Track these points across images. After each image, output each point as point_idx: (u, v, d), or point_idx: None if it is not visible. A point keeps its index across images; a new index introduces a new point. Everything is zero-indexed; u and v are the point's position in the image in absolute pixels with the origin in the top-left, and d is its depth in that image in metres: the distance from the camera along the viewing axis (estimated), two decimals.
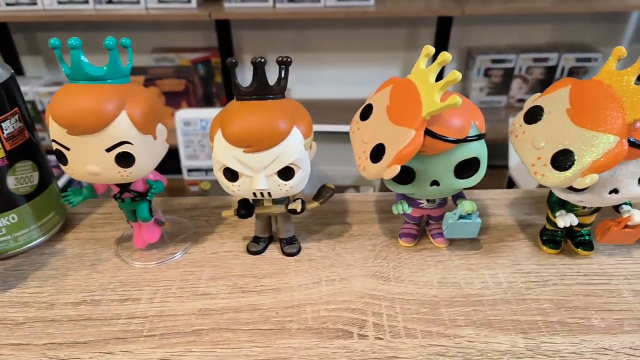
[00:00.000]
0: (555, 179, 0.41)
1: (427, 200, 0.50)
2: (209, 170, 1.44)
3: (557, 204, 0.48)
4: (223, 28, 1.83)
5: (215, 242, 0.53)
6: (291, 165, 0.42)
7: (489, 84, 2.03)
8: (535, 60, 1.95)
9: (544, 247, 0.52)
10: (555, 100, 0.43)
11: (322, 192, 0.49)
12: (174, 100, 1.96)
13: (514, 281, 0.48)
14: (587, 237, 0.52)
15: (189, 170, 1.45)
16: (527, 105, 0.46)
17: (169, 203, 0.61)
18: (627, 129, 0.38)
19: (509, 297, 0.46)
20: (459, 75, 0.38)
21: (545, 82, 2.05)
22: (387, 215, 0.58)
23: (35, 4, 1.69)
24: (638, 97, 0.37)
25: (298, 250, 0.52)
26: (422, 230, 0.55)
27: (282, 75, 0.43)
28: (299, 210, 0.48)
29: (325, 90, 2.13)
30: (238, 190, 0.44)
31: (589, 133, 0.39)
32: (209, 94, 2.01)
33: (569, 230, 0.53)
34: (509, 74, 1.98)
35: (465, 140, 0.42)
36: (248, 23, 1.99)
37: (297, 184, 0.44)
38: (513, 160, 1.63)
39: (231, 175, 0.43)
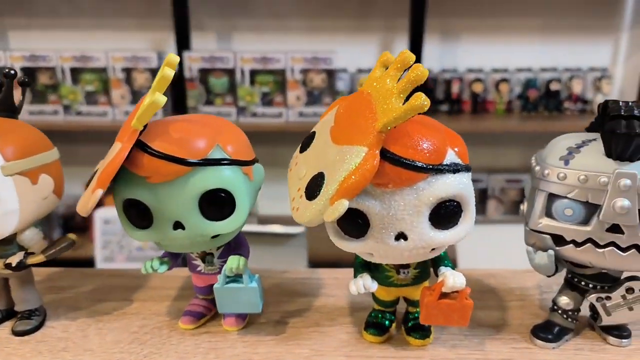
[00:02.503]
0: (305, 212, 0.30)
1: (203, 261, 0.39)
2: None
3: (360, 266, 0.36)
4: None
5: None
6: None
7: None
8: (508, 181, 1.90)
9: (364, 333, 0.38)
10: (326, 122, 0.34)
11: (56, 243, 0.38)
12: None
13: None
14: None
15: None
16: None
17: None
18: (379, 138, 0.28)
19: None
20: None
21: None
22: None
23: None
24: (391, 99, 0.28)
25: (34, 328, 0.39)
26: None
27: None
28: (14, 264, 0.36)
29: None
30: None
31: (342, 149, 0.29)
32: None
33: (406, 312, 0.39)
34: (483, 195, 1.92)
35: (203, 163, 0.32)
36: None
37: None
38: None
39: None
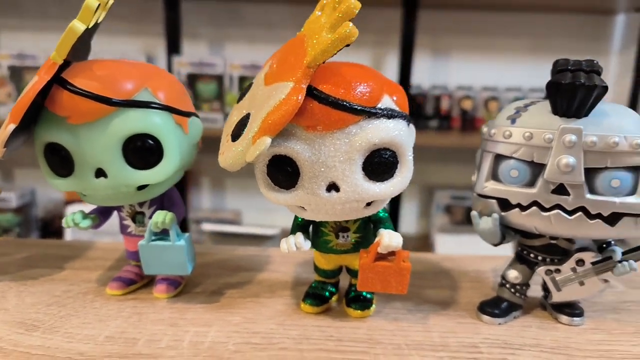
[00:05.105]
0: (228, 154, 0.28)
1: (134, 221, 0.36)
2: None
3: (298, 228, 0.34)
4: None
5: None
6: None
7: (451, 220, 1.93)
8: None
9: (302, 304, 0.36)
10: (262, 71, 0.33)
11: None
12: None
13: (224, 342, 0.31)
14: (364, 292, 0.36)
15: None
16: None
17: None
18: (306, 72, 0.26)
19: None
20: None
21: None
22: None
23: None
24: (321, 34, 0.27)
25: None
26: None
27: None
28: None
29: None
30: None
31: (270, 88, 0.28)
32: None
33: (349, 284, 0.37)
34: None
35: (127, 104, 0.30)
36: (204, 146, 2.01)
37: None
38: None
39: None
